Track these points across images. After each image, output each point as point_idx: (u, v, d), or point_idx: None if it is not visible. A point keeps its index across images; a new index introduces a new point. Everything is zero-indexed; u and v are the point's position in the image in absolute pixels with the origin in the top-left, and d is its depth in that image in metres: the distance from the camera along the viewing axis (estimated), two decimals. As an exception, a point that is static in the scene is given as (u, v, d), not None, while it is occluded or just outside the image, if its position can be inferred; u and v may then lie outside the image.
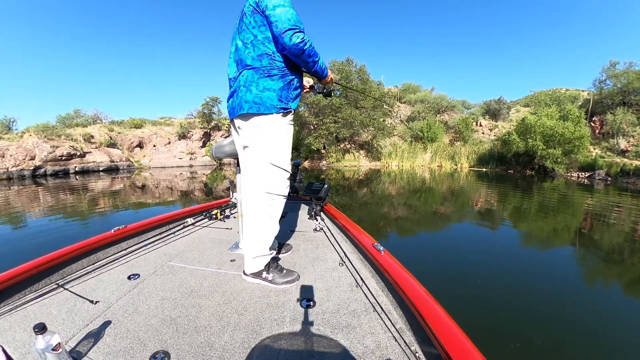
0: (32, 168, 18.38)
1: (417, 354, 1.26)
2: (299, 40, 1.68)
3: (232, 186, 3.08)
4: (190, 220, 3.18)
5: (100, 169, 21.91)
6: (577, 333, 2.78)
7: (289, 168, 1.98)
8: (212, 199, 9.70)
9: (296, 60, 1.81)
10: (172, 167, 26.16)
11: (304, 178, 4.30)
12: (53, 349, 1.07)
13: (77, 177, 18.29)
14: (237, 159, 2.26)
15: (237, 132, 1.99)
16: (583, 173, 19.21)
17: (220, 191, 11.90)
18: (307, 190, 4.00)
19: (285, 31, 1.65)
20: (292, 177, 1.97)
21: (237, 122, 1.89)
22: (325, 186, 3.86)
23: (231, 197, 3.61)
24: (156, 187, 12.89)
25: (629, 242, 5.57)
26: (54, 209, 8.04)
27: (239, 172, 2.33)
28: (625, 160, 20.10)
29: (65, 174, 19.77)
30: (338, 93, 26.66)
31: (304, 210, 3.88)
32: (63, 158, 20.12)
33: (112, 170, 22.51)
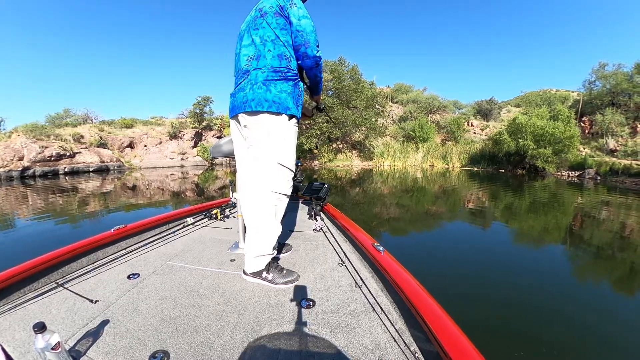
0: (20, 169, 18.03)
1: (416, 354, 1.25)
2: (319, 53, 1.86)
3: (232, 186, 3.06)
4: (190, 220, 3.17)
5: (91, 169, 21.52)
6: (576, 330, 2.80)
7: (294, 168, 1.99)
8: (204, 200, 9.72)
9: (309, 71, 1.93)
10: (163, 167, 25.87)
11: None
12: (52, 348, 1.06)
13: (67, 177, 18.01)
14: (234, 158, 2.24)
15: (240, 130, 1.97)
16: (573, 172, 19.52)
17: (212, 191, 11.83)
18: (307, 190, 4.01)
19: (310, 42, 1.80)
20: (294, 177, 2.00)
21: (245, 119, 1.84)
22: (325, 186, 3.87)
23: (231, 196, 3.60)
24: (147, 187, 12.77)
25: (619, 239, 5.68)
26: (50, 210, 7.93)
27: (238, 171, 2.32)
28: (614, 159, 20.46)
29: (55, 174, 19.40)
30: (330, 93, 26.68)
31: (304, 210, 3.86)
32: (52, 158, 19.78)
33: (102, 170, 22.13)
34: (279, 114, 1.79)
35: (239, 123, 1.93)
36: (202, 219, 3.39)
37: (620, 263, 4.53)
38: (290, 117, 1.86)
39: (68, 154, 20.84)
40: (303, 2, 1.97)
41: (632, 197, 11.10)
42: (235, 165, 2.16)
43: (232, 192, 3.31)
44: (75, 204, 8.97)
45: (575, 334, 2.74)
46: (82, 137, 23.56)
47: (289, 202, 2.19)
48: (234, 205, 3.71)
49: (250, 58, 1.84)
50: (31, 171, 18.44)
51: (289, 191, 2.00)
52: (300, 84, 1.96)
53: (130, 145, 27.14)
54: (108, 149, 24.82)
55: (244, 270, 2.00)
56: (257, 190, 1.90)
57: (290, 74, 1.83)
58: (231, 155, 2.37)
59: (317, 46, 1.84)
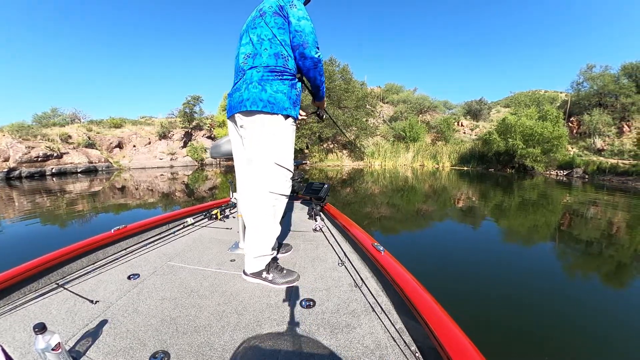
0: (5, 170, 17.67)
1: (417, 354, 1.25)
2: (318, 54, 1.83)
3: (232, 186, 3.05)
4: (190, 220, 3.17)
5: (78, 170, 21.19)
6: (574, 328, 2.84)
7: (292, 168, 1.98)
8: (195, 201, 9.65)
9: (308, 72, 1.91)
10: (153, 167, 25.63)
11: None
12: (53, 349, 1.06)
13: (54, 179, 17.69)
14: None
15: (238, 130, 1.96)
16: (561, 171, 19.80)
17: (202, 192, 11.74)
18: (307, 190, 4.02)
19: (309, 43, 1.78)
20: (292, 177, 2.02)
21: (241, 119, 1.83)
22: (325, 186, 3.89)
23: (231, 197, 3.58)
24: (136, 188, 12.63)
25: (610, 236, 5.78)
26: (47, 212, 7.84)
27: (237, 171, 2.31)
28: (602, 158, 20.80)
29: (42, 175, 19.04)
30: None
31: (303, 210, 3.87)
32: (39, 159, 19.44)
33: (90, 171, 21.80)
34: (275, 114, 1.78)
35: (236, 123, 1.92)
36: (202, 219, 3.39)
37: (613, 260, 4.61)
38: (287, 117, 1.84)
39: (55, 154, 20.53)
40: (304, 4, 1.97)
41: (619, 195, 11.34)
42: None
43: (232, 192, 3.31)
44: (72, 205, 8.87)
45: (574, 332, 2.77)
46: (69, 137, 23.24)
47: (289, 202, 2.18)
48: (234, 205, 3.71)
49: (247, 56, 1.83)
50: (17, 172, 18.09)
51: (288, 191, 1.99)
52: (299, 84, 1.95)
53: (119, 146, 26.85)
54: (96, 149, 24.50)
55: (244, 271, 2.00)
56: (255, 190, 1.89)
57: (287, 74, 1.82)
58: (230, 156, 2.36)
59: (317, 48, 1.83)
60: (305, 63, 1.85)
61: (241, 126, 1.85)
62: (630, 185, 14.45)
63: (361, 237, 2.28)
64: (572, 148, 24.40)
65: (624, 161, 19.11)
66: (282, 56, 1.79)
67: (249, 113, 1.78)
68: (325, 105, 2.40)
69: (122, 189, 12.82)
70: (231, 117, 1.95)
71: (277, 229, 1.99)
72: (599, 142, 24.09)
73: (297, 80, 1.91)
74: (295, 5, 1.78)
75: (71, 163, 21.21)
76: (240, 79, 1.85)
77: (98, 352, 1.28)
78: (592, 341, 2.66)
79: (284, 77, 1.81)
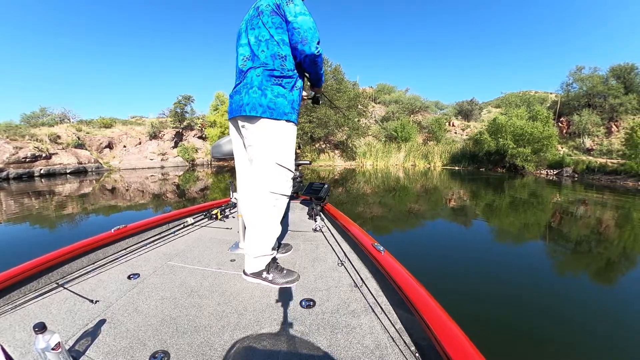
0: (-7, 171, 17.44)
1: (417, 354, 1.25)
2: (318, 49, 1.80)
3: (232, 186, 3.03)
4: (190, 220, 3.17)
5: (68, 171, 20.84)
6: (574, 326, 2.86)
7: (293, 168, 1.97)
8: (186, 201, 9.57)
9: (309, 67, 1.90)
10: (143, 168, 25.38)
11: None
12: (53, 349, 1.07)
13: (43, 180, 17.39)
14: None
15: (239, 131, 1.95)
16: (551, 170, 20.06)
17: (193, 193, 11.66)
18: (307, 190, 4.03)
19: (308, 39, 1.73)
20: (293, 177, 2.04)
21: (242, 121, 1.83)
22: (326, 186, 3.91)
23: (231, 197, 3.59)
24: (127, 189, 12.52)
25: (606, 234, 5.90)
26: (42, 212, 7.79)
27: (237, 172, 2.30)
28: (591, 158, 21.11)
29: (30, 177, 18.68)
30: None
31: (303, 210, 3.88)
32: (27, 160, 19.09)
33: (80, 172, 21.45)
34: (275, 119, 1.78)
35: (237, 125, 1.92)
36: (202, 219, 3.39)
37: (605, 257, 4.70)
38: (287, 121, 1.84)
39: (44, 155, 20.16)
40: None
41: (608, 193, 11.57)
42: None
43: (232, 192, 3.31)
44: (69, 206, 8.81)
45: (573, 329, 2.81)
46: (58, 137, 22.86)
47: (288, 202, 2.18)
48: (234, 205, 3.72)
49: (246, 58, 1.83)
50: (4, 173, 17.68)
51: (289, 191, 1.98)
52: (299, 83, 1.94)
53: (109, 146, 26.54)
54: (86, 149, 24.14)
55: (244, 271, 1.99)
56: (256, 190, 1.88)
57: (286, 76, 1.81)
58: (231, 156, 2.35)
59: (317, 43, 1.78)
60: (304, 60, 1.83)
61: (242, 126, 1.85)
62: (619, 184, 14.75)
63: (361, 237, 2.27)
64: (562, 148, 24.75)
65: (612, 160, 19.41)
66: (280, 56, 1.77)
67: (250, 117, 1.78)
68: (322, 90, 2.39)
69: (113, 190, 12.69)
70: (232, 118, 1.94)
71: (278, 229, 1.98)
72: (588, 142, 24.47)
73: (296, 79, 1.89)
74: (292, 2, 1.74)
75: (60, 164, 20.86)
76: (241, 81, 1.84)
77: (98, 351, 1.28)
78: (590, 338, 2.69)
79: (284, 80, 1.80)
